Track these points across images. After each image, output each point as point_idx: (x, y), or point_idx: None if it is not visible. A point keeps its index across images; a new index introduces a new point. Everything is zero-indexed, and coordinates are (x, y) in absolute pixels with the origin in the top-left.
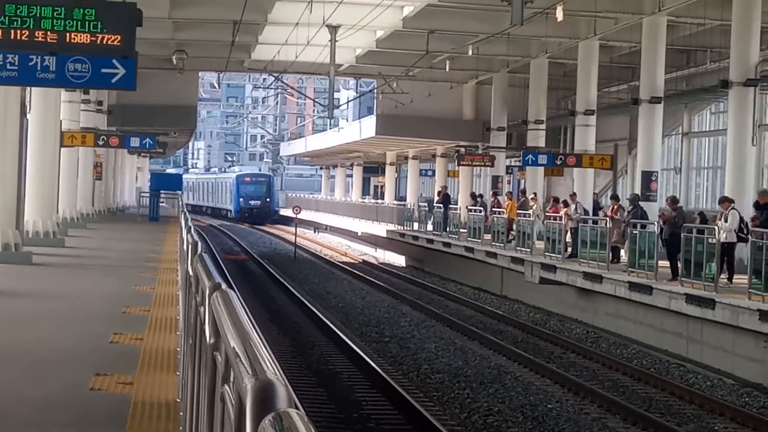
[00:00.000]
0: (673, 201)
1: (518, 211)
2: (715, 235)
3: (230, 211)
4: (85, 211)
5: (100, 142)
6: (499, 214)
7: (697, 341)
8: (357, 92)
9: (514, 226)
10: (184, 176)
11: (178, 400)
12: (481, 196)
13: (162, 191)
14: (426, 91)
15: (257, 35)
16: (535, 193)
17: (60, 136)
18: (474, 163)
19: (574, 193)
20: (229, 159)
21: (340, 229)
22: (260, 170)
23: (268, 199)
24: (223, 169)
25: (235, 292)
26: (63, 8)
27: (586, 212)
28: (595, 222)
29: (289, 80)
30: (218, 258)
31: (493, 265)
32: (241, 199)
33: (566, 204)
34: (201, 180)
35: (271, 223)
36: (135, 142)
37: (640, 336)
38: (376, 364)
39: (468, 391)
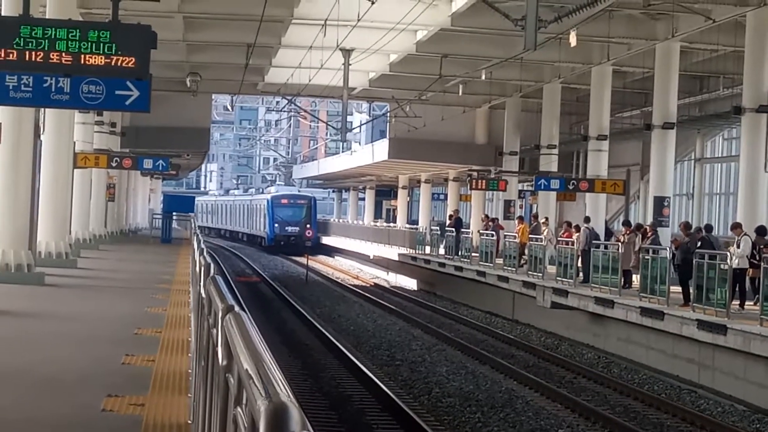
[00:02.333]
0: (686, 227)
1: (530, 236)
2: (727, 261)
3: (264, 238)
4: (97, 233)
5: (113, 164)
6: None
7: (708, 367)
8: (370, 115)
9: (526, 251)
10: (218, 198)
11: (189, 422)
12: (494, 220)
13: (174, 213)
14: (439, 115)
15: (271, 58)
16: (546, 218)
17: (73, 157)
18: (487, 187)
19: (587, 217)
20: (267, 179)
21: (352, 252)
22: (299, 191)
23: (308, 225)
24: (260, 190)
25: (247, 314)
26: (78, 30)
27: (597, 237)
28: (606, 246)
29: (302, 103)
30: (230, 280)
31: (505, 289)
32: (276, 225)
33: (578, 229)
34: (237, 202)
35: (311, 255)
36: (148, 163)
37: (651, 361)
38: (387, 387)
39: (479, 415)
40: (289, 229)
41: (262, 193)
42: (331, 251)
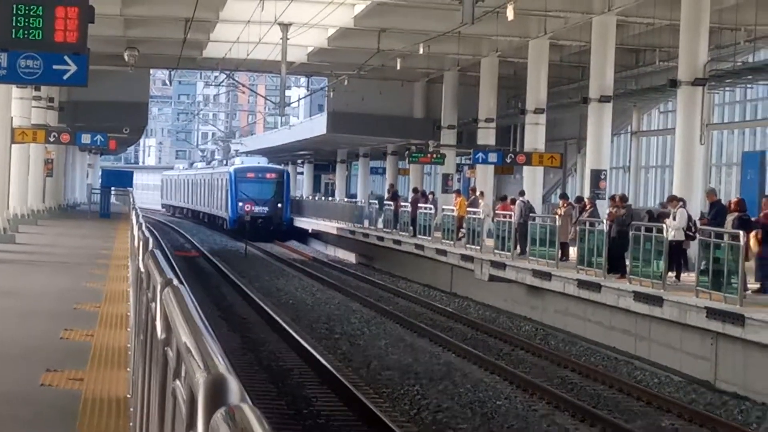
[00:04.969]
0: (622, 199)
1: (468, 209)
2: (663, 233)
3: (226, 220)
4: (35, 208)
5: (51, 139)
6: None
7: (645, 338)
8: (308, 90)
9: (464, 224)
10: (180, 173)
11: (128, 395)
12: (432, 193)
13: (113, 188)
14: (377, 90)
15: (209, 33)
16: (482, 192)
17: (11, 132)
18: (431, 157)
19: (522, 191)
20: (237, 154)
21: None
22: (268, 162)
23: (279, 205)
24: (224, 162)
25: (185, 288)
26: (14, 5)
27: (532, 210)
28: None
29: (240, 78)
30: (169, 255)
31: (443, 262)
32: (240, 204)
33: (513, 202)
34: (198, 177)
35: (282, 240)
36: (86, 138)
37: (588, 333)
38: (326, 360)
39: (418, 387)
40: (256, 209)
41: (226, 165)
42: (306, 237)
